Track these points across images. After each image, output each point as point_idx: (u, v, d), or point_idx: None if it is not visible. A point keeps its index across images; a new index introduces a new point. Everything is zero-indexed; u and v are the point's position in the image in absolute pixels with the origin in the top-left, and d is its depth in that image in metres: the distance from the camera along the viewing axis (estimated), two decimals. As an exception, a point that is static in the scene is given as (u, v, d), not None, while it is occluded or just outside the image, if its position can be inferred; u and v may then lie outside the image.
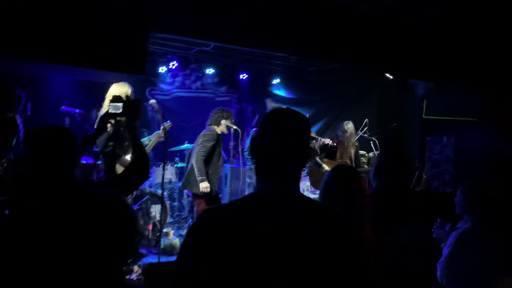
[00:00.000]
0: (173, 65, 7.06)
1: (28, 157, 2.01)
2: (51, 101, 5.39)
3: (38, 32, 2.92)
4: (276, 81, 8.01)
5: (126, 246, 1.47)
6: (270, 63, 7.41)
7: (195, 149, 5.03)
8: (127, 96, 2.44)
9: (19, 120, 4.37)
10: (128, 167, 2.29)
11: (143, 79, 7.18)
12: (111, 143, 4.08)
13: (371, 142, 5.91)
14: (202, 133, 5.05)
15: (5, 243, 1.81)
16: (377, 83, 7.30)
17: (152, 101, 4.68)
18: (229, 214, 1.29)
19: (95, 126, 2.49)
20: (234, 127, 5.14)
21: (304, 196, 1.36)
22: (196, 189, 4.94)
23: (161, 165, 6.41)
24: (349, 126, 5.87)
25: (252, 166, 6.43)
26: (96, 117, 6.52)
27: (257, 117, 7.97)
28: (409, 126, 7.28)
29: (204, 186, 4.86)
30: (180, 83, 7.82)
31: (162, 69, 7.46)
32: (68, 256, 1.45)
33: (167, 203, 5.97)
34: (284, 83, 8.06)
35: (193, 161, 4.95)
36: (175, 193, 6.63)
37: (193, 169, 4.93)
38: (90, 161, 5.06)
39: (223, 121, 5.06)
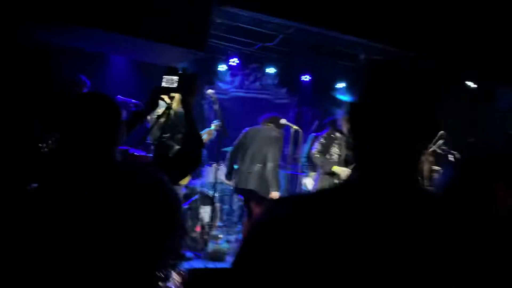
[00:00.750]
0: (233, 62, 6.75)
1: (60, 133, 1.69)
2: (107, 85, 5.24)
3: (100, 2, 2.68)
4: (341, 85, 7.47)
5: (167, 239, 1.08)
6: (336, 64, 6.90)
7: (273, 152, 4.75)
8: (183, 69, 2.08)
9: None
10: (179, 150, 1.92)
11: (202, 77, 6.96)
12: (166, 135, 3.82)
13: (450, 156, 5.21)
14: (274, 134, 4.80)
15: (30, 228, 1.48)
16: (454, 91, 6.57)
17: (210, 91, 4.36)
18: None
19: (147, 102, 2.15)
20: (295, 127, 4.70)
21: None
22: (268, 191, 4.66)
23: (213, 165, 6.11)
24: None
25: (311, 174, 5.94)
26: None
27: (316, 122, 7.47)
28: (488, 142, 6.48)
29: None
30: (239, 82, 7.53)
31: (222, 67, 7.21)
32: (96, 246, 1.11)
33: (217, 205, 5.63)
34: (350, 88, 7.48)
35: (272, 165, 4.69)
36: (226, 196, 6.28)
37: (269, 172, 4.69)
38: (142, 153, 4.82)
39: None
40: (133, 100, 4.97)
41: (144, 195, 1.13)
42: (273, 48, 6.15)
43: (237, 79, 7.51)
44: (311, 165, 5.87)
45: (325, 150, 4.49)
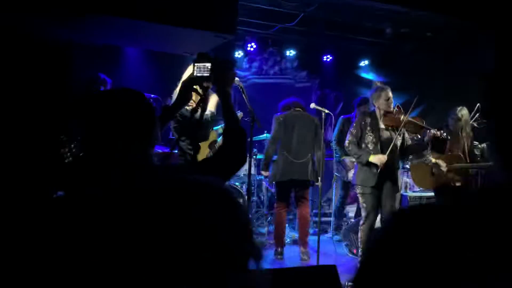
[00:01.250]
0: (251, 47, 6.44)
1: (84, 136, 1.44)
2: (122, 79, 5.02)
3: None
4: (364, 62, 7.11)
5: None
6: (359, 41, 6.54)
7: (320, 139, 4.73)
8: (215, 55, 1.81)
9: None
10: (220, 147, 1.66)
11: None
12: (182, 139, 3.58)
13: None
14: (315, 121, 4.80)
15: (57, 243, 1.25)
16: (489, 58, 6.16)
17: (236, 79, 4.06)
18: None
19: (176, 95, 1.88)
20: (326, 110, 4.42)
21: None
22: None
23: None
24: (464, 112, 4.85)
25: (341, 158, 5.65)
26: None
27: (341, 104, 7.15)
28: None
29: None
30: (257, 68, 7.22)
31: (239, 54, 6.91)
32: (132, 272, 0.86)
33: (245, 197, 5.39)
34: (374, 65, 7.13)
35: (320, 153, 4.74)
36: (253, 187, 6.03)
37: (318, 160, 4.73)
38: (166, 150, 4.60)
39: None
40: (152, 95, 4.74)
41: (201, 215, 0.86)
42: (292, 29, 5.82)
43: (255, 65, 7.21)
44: (342, 148, 5.59)
45: (358, 140, 4.21)
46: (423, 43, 6.17)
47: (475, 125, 5.17)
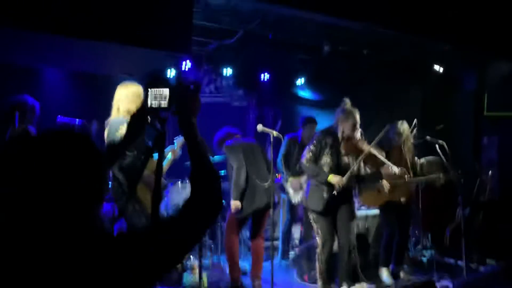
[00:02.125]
0: (185, 65, 6.06)
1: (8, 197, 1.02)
2: (41, 104, 4.38)
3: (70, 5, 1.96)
4: (300, 80, 7.03)
5: None
6: (296, 59, 6.45)
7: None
8: (178, 77, 1.44)
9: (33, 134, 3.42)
10: (189, 199, 1.28)
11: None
12: (131, 152, 3.04)
13: (437, 146, 4.91)
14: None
15: None
16: (420, 78, 6.38)
17: (176, 78, 3.67)
18: None
19: (126, 128, 1.49)
20: (275, 133, 4.17)
21: None
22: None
23: (177, 183, 5.41)
24: (405, 127, 4.89)
25: (289, 179, 5.43)
26: (98, 130, 5.61)
27: (279, 122, 6.99)
28: (459, 126, 6.36)
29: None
30: (191, 87, 6.85)
31: (171, 73, 6.50)
32: None
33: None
34: (310, 83, 7.08)
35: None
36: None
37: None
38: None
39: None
40: (77, 121, 4.18)
41: None
42: (228, 46, 5.56)
43: (189, 84, 6.83)
44: (288, 169, 5.38)
45: (316, 159, 4.00)
46: (360, 61, 6.23)
47: (413, 140, 5.25)
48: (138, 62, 2.52)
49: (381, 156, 4.16)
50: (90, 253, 0.96)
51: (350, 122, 4.00)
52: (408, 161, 4.88)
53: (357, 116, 4.07)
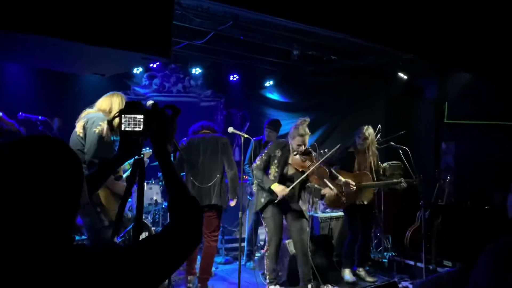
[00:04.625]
0: (153, 63, 5.97)
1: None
2: (3, 101, 4.20)
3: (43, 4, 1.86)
4: (269, 83, 7.08)
5: None
6: (264, 62, 6.48)
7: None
8: (154, 104, 1.43)
9: None
10: (166, 228, 1.25)
11: (114, 81, 6.07)
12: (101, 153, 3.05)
13: (400, 151, 5.07)
14: (223, 138, 4.46)
15: None
16: (384, 85, 6.56)
17: (150, 102, 3.60)
18: None
19: (117, 147, 1.48)
20: (245, 135, 4.18)
21: None
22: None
23: (143, 184, 5.32)
24: (370, 131, 5.01)
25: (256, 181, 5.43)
26: (59, 128, 5.42)
27: (248, 124, 7.01)
28: (421, 132, 6.59)
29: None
30: (159, 85, 6.74)
31: (137, 70, 6.38)
32: None
33: (153, 229, 4.86)
34: (278, 86, 7.14)
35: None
36: (158, 217, 5.49)
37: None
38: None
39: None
40: (39, 117, 4.02)
41: None
42: (197, 46, 5.50)
43: (156, 82, 6.72)
44: (250, 171, 5.40)
45: (264, 167, 4.28)
46: (328, 65, 6.34)
47: (377, 144, 5.39)
48: (109, 62, 2.46)
49: (324, 176, 4.33)
50: (65, 266, 0.92)
51: (296, 139, 4.19)
52: (372, 164, 5.01)
53: (305, 135, 4.19)
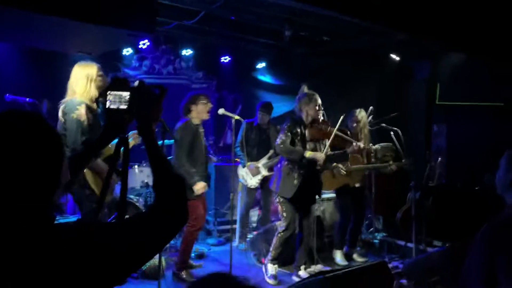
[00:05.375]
0: (143, 44, 5.87)
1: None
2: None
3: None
4: (261, 65, 7.01)
5: None
6: (256, 44, 6.40)
7: (173, 149, 4.20)
8: (141, 81, 1.40)
9: None
10: (152, 206, 1.23)
11: (104, 63, 5.97)
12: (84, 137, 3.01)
13: (391, 132, 5.07)
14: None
15: None
16: (377, 67, 6.53)
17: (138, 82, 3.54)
18: None
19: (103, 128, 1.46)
20: (236, 117, 4.14)
21: None
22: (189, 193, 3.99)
23: (135, 167, 5.29)
24: (363, 114, 5.02)
25: (247, 164, 5.43)
26: (49, 109, 5.35)
27: (240, 107, 6.96)
28: (412, 114, 6.60)
29: (200, 186, 4.05)
30: (149, 67, 6.65)
31: (127, 51, 6.28)
32: None
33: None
34: (271, 68, 7.08)
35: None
36: (150, 199, 5.48)
37: None
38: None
39: (193, 107, 4.19)
40: (27, 99, 3.96)
41: None
42: (188, 27, 5.41)
43: (146, 64, 6.63)
44: (242, 154, 5.39)
45: (290, 143, 4.06)
46: (320, 47, 6.28)
47: (369, 126, 5.39)
48: (96, 40, 2.40)
49: (346, 136, 4.30)
50: (44, 244, 0.90)
51: (313, 104, 4.09)
52: (364, 147, 5.02)
53: (319, 99, 4.16)
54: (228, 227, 5.45)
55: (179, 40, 6.25)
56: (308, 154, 3.94)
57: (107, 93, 1.37)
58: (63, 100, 3.16)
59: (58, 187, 1.01)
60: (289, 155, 4.04)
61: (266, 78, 7.20)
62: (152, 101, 1.35)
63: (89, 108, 3.09)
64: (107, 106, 1.37)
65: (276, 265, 4.25)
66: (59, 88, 4.25)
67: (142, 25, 2.07)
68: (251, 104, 6.53)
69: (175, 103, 5.18)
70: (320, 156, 3.94)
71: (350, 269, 2.95)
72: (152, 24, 2.19)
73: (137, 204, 4.81)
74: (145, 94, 1.35)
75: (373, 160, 5.18)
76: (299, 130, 4.09)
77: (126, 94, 1.35)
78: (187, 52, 6.39)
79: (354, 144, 4.12)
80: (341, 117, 4.20)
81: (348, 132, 4.44)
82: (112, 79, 1.41)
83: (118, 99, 1.36)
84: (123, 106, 1.35)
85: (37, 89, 5.27)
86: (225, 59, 6.67)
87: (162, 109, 1.38)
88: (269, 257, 4.25)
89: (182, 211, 1.24)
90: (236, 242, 5.50)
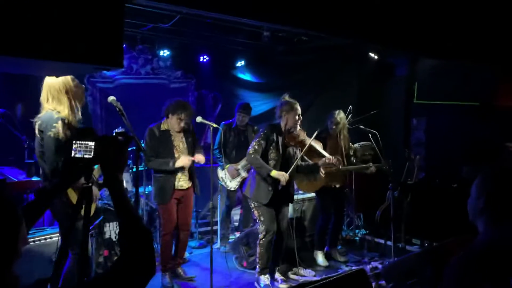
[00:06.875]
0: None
1: None
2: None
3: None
4: (240, 63, 6.96)
5: None
6: (234, 42, 6.34)
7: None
8: (116, 138, 1.39)
9: None
10: (118, 259, 1.21)
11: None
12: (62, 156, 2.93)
13: (370, 135, 5.11)
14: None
15: None
16: (356, 64, 6.54)
17: (111, 98, 3.49)
18: None
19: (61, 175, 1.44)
20: (214, 125, 4.10)
21: None
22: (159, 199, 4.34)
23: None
24: (342, 116, 5.03)
25: (226, 166, 5.40)
26: (22, 113, 5.20)
27: (220, 105, 6.91)
28: (392, 111, 6.65)
29: (183, 161, 4.20)
30: (126, 67, 6.52)
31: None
32: None
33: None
34: (250, 66, 7.02)
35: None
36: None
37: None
38: (22, 178, 3.78)
39: (170, 116, 4.19)
40: None
41: None
42: (165, 29, 5.32)
43: (123, 64, 6.49)
44: (225, 156, 5.36)
45: (261, 153, 4.04)
46: (299, 45, 6.25)
47: (348, 125, 5.41)
48: (62, 69, 2.33)
49: (320, 149, 4.30)
50: None
51: (293, 113, 4.08)
52: (343, 148, 5.04)
53: (299, 108, 4.15)
54: (209, 228, 5.44)
55: (155, 41, 6.14)
56: (273, 173, 3.94)
57: (73, 142, 1.37)
58: (38, 116, 3.04)
59: (17, 256, 0.99)
60: (256, 168, 4.04)
61: (246, 76, 7.15)
62: (117, 151, 1.33)
63: (66, 124, 2.98)
64: (72, 155, 1.35)
65: (267, 275, 4.18)
66: (32, 90, 4.11)
67: (108, 60, 2.01)
68: (231, 103, 6.48)
69: (154, 103, 5.10)
70: (284, 179, 3.91)
71: (328, 280, 2.97)
72: (119, 58, 2.14)
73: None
74: (110, 144, 1.33)
75: (352, 159, 5.21)
76: (275, 137, 4.06)
77: (91, 144, 1.36)
78: (164, 53, 6.29)
79: (326, 158, 4.12)
80: (316, 131, 4.19)
81: (321, 144, 4.44)
82: (79, 129, 1.47)
83: (84, 149, 1.35)
84: (88, 156, 1.34)
85: (10, 94, 5.14)
86: (204, 58, 6.59)
87: (128, 158, 1.39)
88: (258, 269, 4.18)
89: (148, 262, 1.23)
90: (217, 244, 5.51)
